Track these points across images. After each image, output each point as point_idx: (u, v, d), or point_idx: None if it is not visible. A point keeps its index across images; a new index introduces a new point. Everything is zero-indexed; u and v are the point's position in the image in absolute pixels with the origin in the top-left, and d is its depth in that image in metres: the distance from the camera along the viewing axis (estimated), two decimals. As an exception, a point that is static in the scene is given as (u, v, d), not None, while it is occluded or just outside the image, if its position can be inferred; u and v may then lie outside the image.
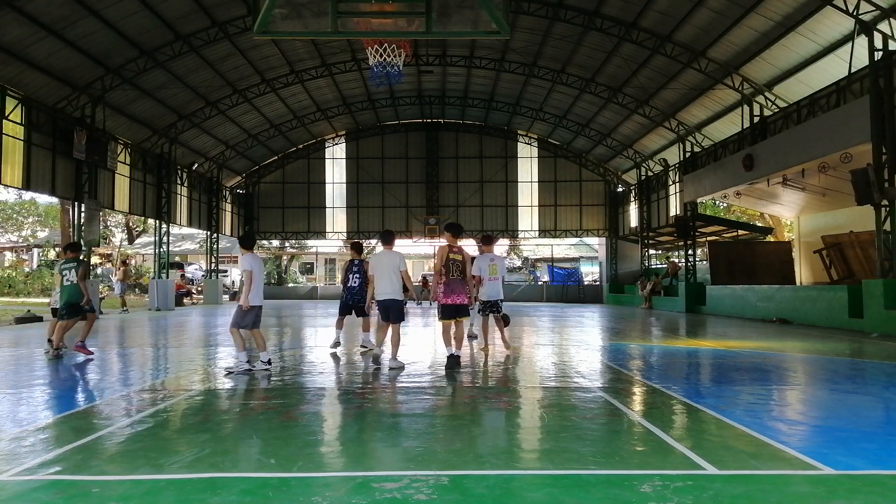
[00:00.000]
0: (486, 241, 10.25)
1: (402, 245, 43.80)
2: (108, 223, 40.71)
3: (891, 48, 14.06)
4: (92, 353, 9.45)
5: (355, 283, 9.91)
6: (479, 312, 10.22)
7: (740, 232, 26.67)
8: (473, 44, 24.31)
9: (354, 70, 26.12)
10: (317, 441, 4.74)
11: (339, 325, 10.30)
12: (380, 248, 8.67)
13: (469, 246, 14.14)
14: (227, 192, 33.64)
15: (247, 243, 8.55)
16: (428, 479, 3.68)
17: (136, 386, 6.93)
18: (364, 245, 10.56)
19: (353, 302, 9.96)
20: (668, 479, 3.68)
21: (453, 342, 8.42)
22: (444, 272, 8.37)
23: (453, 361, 8.11)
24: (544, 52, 24.02)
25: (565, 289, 36.78)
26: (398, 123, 34.73)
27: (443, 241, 8.58)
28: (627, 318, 19.98)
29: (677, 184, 27.01)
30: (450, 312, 8.45)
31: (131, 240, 43.45)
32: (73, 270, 9.48)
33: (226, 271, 38.64)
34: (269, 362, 7.86)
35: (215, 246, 31.92)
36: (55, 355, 9.30)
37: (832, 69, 17.03)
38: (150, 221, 32.37)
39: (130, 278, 31.74)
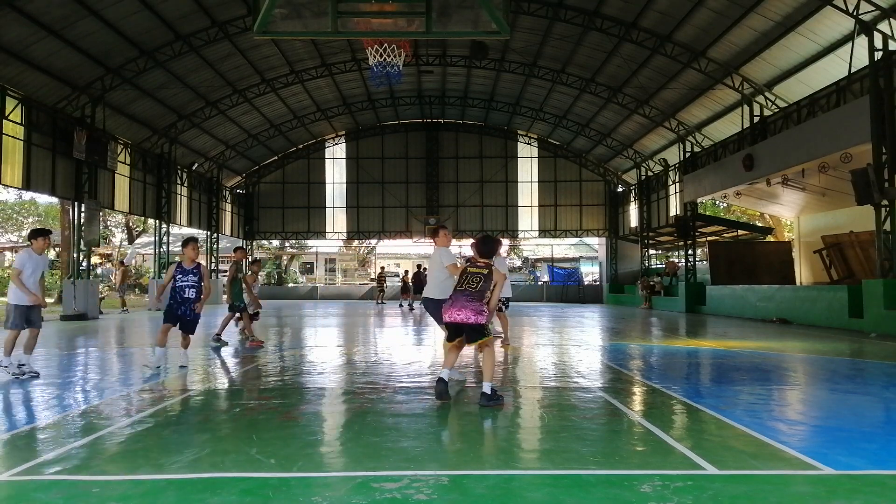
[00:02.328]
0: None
1: (402, 245, 43.92)
2: (108, 223, 40.71)
3: (891, 48, 14.07)
4: (262, 342, 10.87)
5: (192, 294, 8.07)
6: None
7: (740, 232, 26.69)
8: (473, 44, 24.31)
9: (354, 70, 26.13)
10: (317, 441, 4.74)
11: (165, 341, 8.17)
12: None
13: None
14: (227, 192, 33.65)
15: (31, 236, 7.68)
16: (428, 479, 3.68)
17: (136, 386, 6.93)
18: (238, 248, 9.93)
19: (184, 313, 8.14)
20: (668, 479, 3.68)
21: (482, 367, 6.25)
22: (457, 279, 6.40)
23: (443, 387, 5.99)
24: (544, 52, 24.03)
25: (565, 289, 36.79)
26: (398, 123, 34.74)
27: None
28: (627, 318, 19.98)
29: (677, 184, 27.02)
30: (450, 332, 6.23)
31: (131, 240, 43.46)
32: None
33: (226, 271, 38.62)
34: (19, 366, 7.39)
35: (215, 246, 31.93)
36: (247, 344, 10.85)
37: (832, 69, 17.03)
38: (150, 221, 32.36)
39: (130, 279, 31.75)
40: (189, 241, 8.17)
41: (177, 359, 8.25)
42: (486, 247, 6.41)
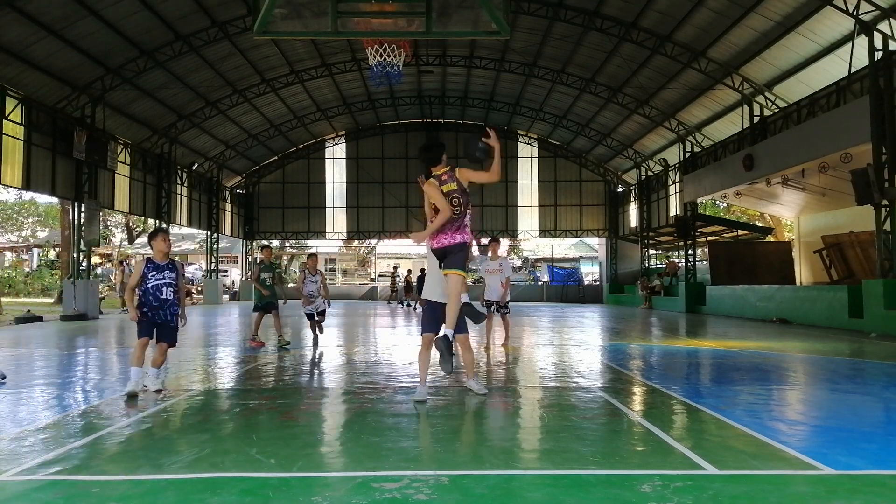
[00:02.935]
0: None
1: (402, 245, 43.88)
2: (108, 223, 40.70)
3: (891, 48, 14.07)
4: (263, 343, 10.78)
5: (170, 295, 6.54)
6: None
7: (740, 232, 26.69)
8: (473, 44, 24.31)
9: (354, 70, 26.13)
10: (317, 441, 4.74)
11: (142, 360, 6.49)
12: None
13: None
14: (227, 192, 33.66)
15: None
16: (428, 479, 3.68)
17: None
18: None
19: (164, 318, 6.54)
20: (668, 479, 3.68)
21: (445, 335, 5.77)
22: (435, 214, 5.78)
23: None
24: (544, 52, 24.02)
25: (565, 289, 36.80)
26: (398, 123, 34.73)
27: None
28: (627, 318, 19.98)
29: (677, 184, 27.02)
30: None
31: (131, 240, 43.43)
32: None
33: (226, 271, 38.69)
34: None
35: (215, 246, 31.94)
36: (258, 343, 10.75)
37: (832, 69, 17.03)
38: (150, 221, 32.37)
39: (128, 279, 31.77)
40: (158, 233, 6.77)
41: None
42: (430, 154, 5.88)
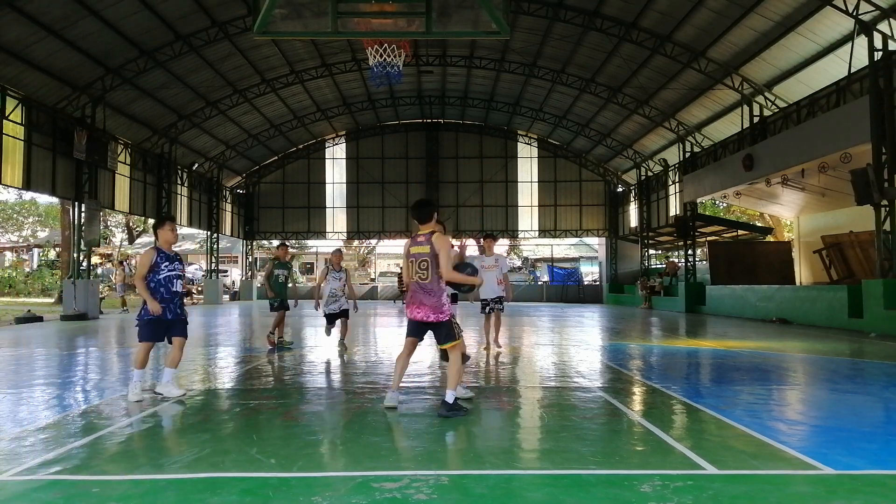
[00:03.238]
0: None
1: (402, 245, 43.85)
2: (109, 223, 40.71)
3: (891, 48, 14.07)
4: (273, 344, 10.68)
5: (179, 287, 6.20)
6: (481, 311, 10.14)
7: (740, 232, 26.70)
8: (473, 44, 24.32)
9: (354, 70, 26.13)
10: (317, 441, 4.74)
11: (145, 363, 6.20)
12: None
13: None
14: (227, 192, 33.66)
15: None
16: (428, 479, 3.68)
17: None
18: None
19: (174, 312, 6.15)
20: (668, 479, 3.68)
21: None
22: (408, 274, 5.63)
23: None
24: (544, 52, 24.03)
25: (565, 289, 36.81)
26: (398, 123, 34.74)
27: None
28: (627, 318, 19.98)
29: (677, 184, 27.01)
30: (410, 330, 5.67)
31: (131, 240, 43.46)
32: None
33: (226, 271, 38.70)
34: None
35: (215, 246, 31.94)
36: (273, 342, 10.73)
37: (832, 69, 17.03)
38: (150, 221, 32.39)
39: (129, 279, 31.77)
40: (166, 221, 6.20)
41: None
42: (420, 211, 5.55)
